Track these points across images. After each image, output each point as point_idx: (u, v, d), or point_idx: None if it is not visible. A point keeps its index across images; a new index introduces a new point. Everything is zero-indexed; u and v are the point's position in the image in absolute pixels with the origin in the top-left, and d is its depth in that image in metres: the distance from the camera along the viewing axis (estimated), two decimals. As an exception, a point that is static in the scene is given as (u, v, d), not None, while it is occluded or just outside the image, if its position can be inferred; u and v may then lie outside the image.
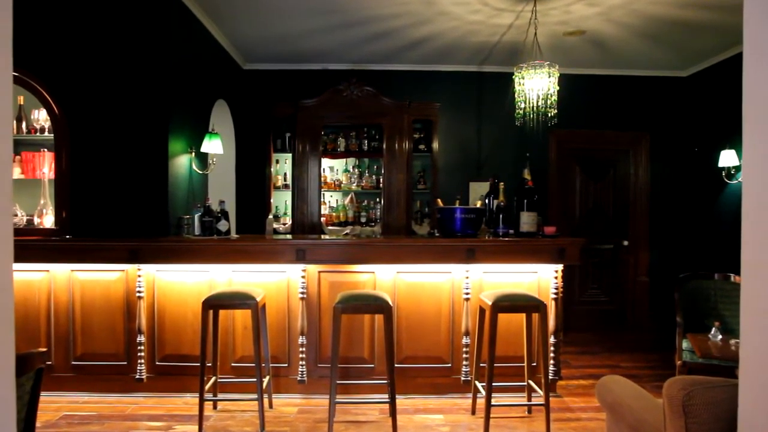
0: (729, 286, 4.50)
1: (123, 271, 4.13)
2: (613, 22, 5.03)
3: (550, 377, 3.99)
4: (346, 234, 6.03)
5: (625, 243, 6.86)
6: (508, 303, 3.52)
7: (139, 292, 4.09)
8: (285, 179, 6.51)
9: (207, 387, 3.77)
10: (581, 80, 6.54)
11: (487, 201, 4.68)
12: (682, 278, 4.59)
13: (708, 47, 5.84)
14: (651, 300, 6.86)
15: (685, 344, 4.18)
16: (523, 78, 4.38)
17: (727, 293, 4.50)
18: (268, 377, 3.92)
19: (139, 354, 4.10)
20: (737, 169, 5.70)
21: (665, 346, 5.80)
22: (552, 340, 4.11)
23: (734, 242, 5.76)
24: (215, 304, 3.60)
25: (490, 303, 3.52)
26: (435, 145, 6.34)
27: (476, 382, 3.85)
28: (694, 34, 5.40)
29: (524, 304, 3.58)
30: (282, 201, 6.61)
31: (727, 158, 5.67)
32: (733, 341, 3.71)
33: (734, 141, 5.73)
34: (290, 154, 6.36)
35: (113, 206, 4.46)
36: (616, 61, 6.40)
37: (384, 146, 6.16)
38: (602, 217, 6.92)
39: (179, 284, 4.16)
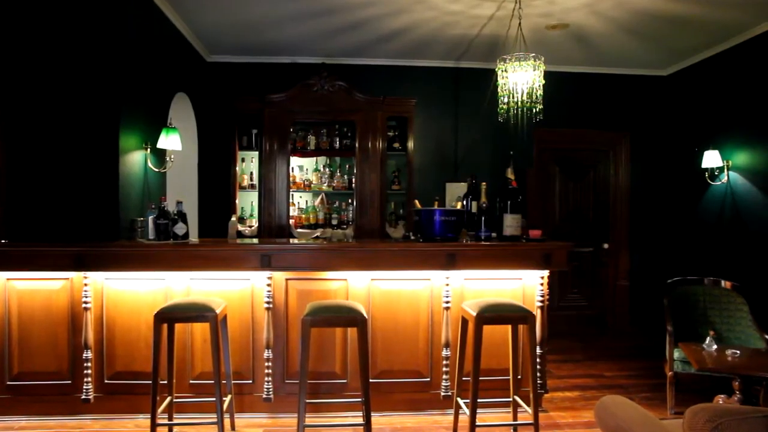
0: (718, 292, 4.31)
1: (67, 279, 3.71)
2: (598, 15, 4.80)
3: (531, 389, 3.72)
4: (316, 237, 5.69)
5: (606, 246, 6.67)
6: (494, 314, 3.23)
7: (86, 302, 3.67)
8: (251, 179, 6.12)
9: (161, 408, 3.39)
10: (561, 78, 6.31)
11: (464, 202, 4.40)
12: (671, 284, 4.38)
13: (691, 45, 5.68)
14: (631, 305, 6.68)
15: (676, 354, 3.96)
16: (506, 71, 4.10)
17: (717, 299, 4.31)
18: (230, 396, 3.55)
19: (85, 372, 3.68)
20: (720, 170, 5.54)
21: (649, 354, 5.61)
22: (538, 351, 3.83)
23: (717, 245, 5.61)
24: (169, 317, 3.23)
25: (474, 314, 3.22)
26: (410, 143, 6.03)
27: (458, 399, 3.54)
28: (678, 30, 5.21)
29: (511, 315, 3.29)
30: (248, 202, 6.22)
31: (711, 159, 5.50)
32: (729, 351, 3.49)
33: (718, 141, 5.56)
34: (257, 152, 5.98)
35: (56, 207, 4.00)
36: (597, 59, 6.21)
37: (357, 144, 5.83)
38: (582, 220, 6.73)
39: (131, 293, 3.76)
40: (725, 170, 5.48)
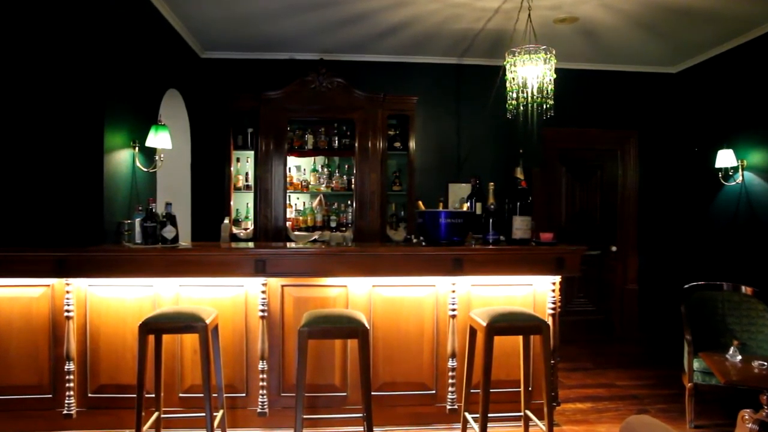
0: (738, 298, 4.08)
1: (48, 286, 3.48)
2: (609, 7, 4.59)
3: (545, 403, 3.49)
4: (314, 240, 5.45)
5: (614, 249, 6.45)
6: (506, 324, 3.00)
7: (68, 311, 3.43)
8: (246, 179, 5.89)
9: (148, 424, 3.19)
10: (567, 75, 6.06)
11: (469, 204, 4.19)
12: (688, 289, 4.15)
13: (702, 41, 5.46)
14: (640, 309, 6.46)
15: (696, 364, 3.73)
16: (514, 65, 3.88)
17: (736, 306, 4.09)
18: (222, 411, 3.33)
19: (67, 385, 3.44)
20: (735, 170, 5.32)
21: (661, 361, 5.41)
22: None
23: (731, 248, 5.39)
24: (155, 327, 3.00)
25: (484, 324, 3.00)
26: (411, 143, 5.80)
27: (466, 413, 3.32)
28: (690, 24, 4.99)
29: (524, 325, 3.07)
30: (243, 203, 5.98)
31: (725, 158, 5.28)
32: (756, 363, 3.26)
33: (732, 141, 5.34)
34: (252, 152, 5.75)
35: (35, 209, 3.75)
36: (605, 55, 6.00)
37: (356, 143, 5.60)
38: (589, 221, 6.51)
39: (117, 301, 3.53)
40: (740, 170, 5.26)
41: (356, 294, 3.64)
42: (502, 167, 5.93)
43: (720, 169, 5.43)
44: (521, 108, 3.95)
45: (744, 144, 5.25)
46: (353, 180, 5.69)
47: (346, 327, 2.98)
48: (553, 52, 3.82)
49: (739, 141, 5.30)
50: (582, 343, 6.13)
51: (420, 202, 4.01)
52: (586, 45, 5.64)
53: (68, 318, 3.44)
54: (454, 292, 3.62)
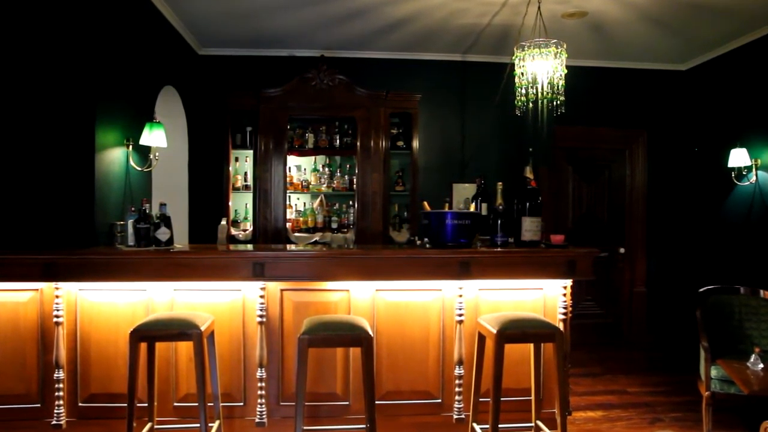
0: (756, 303, 3.93)
1: (36, 290, 3.32)
2: (619, 1, 4.43)
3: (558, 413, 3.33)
4: (315, 242, 5.31)
5: (622, 250, 6.29)
6: (517, 331, 2.85)
7: (57, 316, 3.27)
8: (245, 179, 5.73)
9: (141, 435, 3.03)
10: (575, 72, 5.84)
11: (474, 204, 4.04)
12: (703, 293, 4.00)
13: (713, 36, 5.31)
14: (649, 313, 6.30)
15: (714, 371, 3.57)
16: (523, 60, 3.73)
17: (754, 310, 3.93)
18: (218, 421, 3.18)
19: (56, 394, 3.28)
20: (748, 169, 5.15)
21: (671, 367, 5.25)
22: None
23: (744, 250, 5.23)
24: (147, 335, 2.85)
25: (494, 331, 2.84)
26: (414, 142, 5.64)
27: (474, 424, 3.17)
28: (702, 19, 4.83)
29: (536, 332, 2.91)
30: (242, 204, 5.83)
31: (738, 158, 5.12)
32: (779, 371, 3.10)
33: (745, 139, 5.18)
34: (251, 151, 5.60)
35: (22, 210, 3.59)
36: (614, 52, 5.84)
37: (358, 142, 5.45)
38: (596, 223, 6.35)
39: (109, 306, 3.37)
40: (753, 169, 5.10)
41: (359, 299, 3.49)
42: (508, 167, 5.77)
43: (733, 169, 5.27)
44: (530, 105, 3.80)
45: (758, 143, 5.09)
46: (355, 180, 5.54)
47: (348, 335, 2.82)
48: (564, 46, 3.67)
49: (752, 140, 5.14)
50: (590, 347, 5.97)
51: (425, 203, 3.86)
52: (594, 41, 5.49)
53: (57, 324, 3.28)
54: (461, 296, 3.45)
